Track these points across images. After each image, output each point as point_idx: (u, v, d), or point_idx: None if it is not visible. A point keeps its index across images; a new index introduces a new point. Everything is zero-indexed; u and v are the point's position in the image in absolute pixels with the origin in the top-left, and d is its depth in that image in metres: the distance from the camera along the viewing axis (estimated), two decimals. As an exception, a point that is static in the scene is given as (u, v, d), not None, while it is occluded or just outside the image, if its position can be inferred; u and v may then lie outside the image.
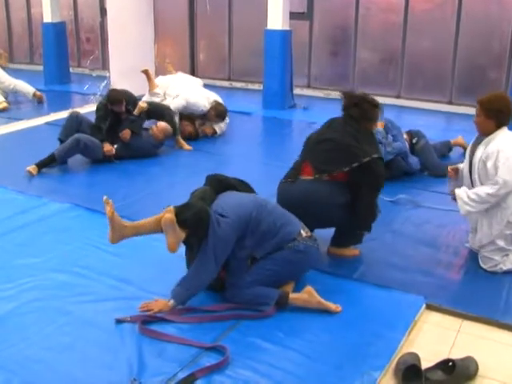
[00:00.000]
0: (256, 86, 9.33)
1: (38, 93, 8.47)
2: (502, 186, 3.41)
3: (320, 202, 3.54)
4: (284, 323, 3.02)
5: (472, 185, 3.60)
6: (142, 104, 6.01)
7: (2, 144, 6.49)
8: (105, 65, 10.52)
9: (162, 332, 2.90)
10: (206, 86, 7.26)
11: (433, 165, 5.29)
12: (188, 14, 10.12)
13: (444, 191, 4.89)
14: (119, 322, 2.99)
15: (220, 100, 6.78)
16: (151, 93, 6.75)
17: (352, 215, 3.58)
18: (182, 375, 2.60)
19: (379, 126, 5.13)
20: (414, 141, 5.37)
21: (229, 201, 3.23)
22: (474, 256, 3.74)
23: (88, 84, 9.49)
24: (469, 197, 3.49)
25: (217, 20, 9.84)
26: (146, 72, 6.78)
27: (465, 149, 3.81)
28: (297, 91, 8.71)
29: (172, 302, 3.08)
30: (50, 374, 2.62)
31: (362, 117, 3.61)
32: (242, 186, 3.49)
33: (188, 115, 6.59)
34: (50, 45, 9.82)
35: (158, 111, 6.19)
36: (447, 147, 5.80)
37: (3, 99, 8.01)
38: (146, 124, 6.16)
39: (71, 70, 10.43)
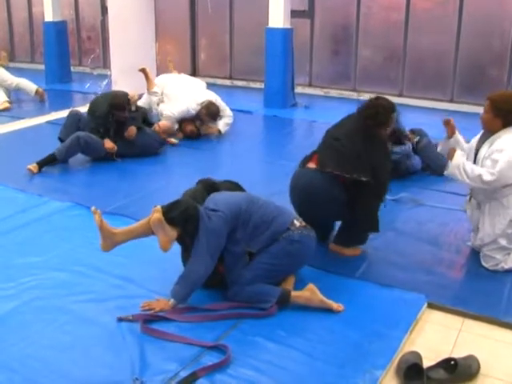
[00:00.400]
0: (257, 85, 9.32)
1: (40, 89, 8.46)
2: (497, 179, 3.39)
3: (318, 191, 3.59)
4: (286, 322, 3.02)
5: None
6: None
7: (3, 143, 6.49)
8: (106, 63, 10.52)
9: (164, 331, 2.89)
10: (207, 84, 7.23)
11: (435, 163, 5.28)
12: (189, 12, 10.12)
13: (446, 190, 4.90)
14: (121, 320, 2.98)
15: (219, 100, 6.74)
16: (149, 92, 6.76)
17: (352, 215, 3.59)
18: (183, 374, 2.59)
19: None
20: (417, 139, 5.36)
21: (219, 197, 3.27)
22: (475, 255, 3.73)
23: (89, 83, 9.50)
24: (464, 167, 3.47)
25: (218, 18, 9.84)
26: (143, 71, 6.78)
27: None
28: (298, 90, 8.72)
29: (172, 301, 3.08)
30: (51, 372, 2.61)
31: (375, 121, 3.58)
32: (234, 189, 3.50)
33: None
34: (51, 44, 9.82)
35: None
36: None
37: (6, 99, 8.01)
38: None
39: (72, 68, 10.44)
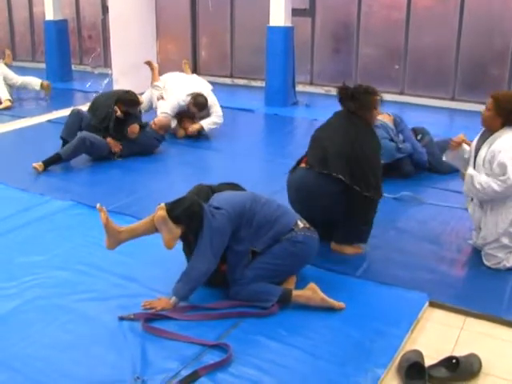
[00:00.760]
0: (258, 83, 9.31)
1: (46, 82, 8.46)
2: (510, 186, 3.39)
3: (311, 188, 3.61)
4: (287, 321, 3.02)
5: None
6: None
7: (5, 142, 6.50)
8: (107, 62, 10.52)
9: (165, 330, 2.90)
10: (208, 82, 7.22)
11: (437, 162, 5.28)
12: (190, 10, 10.12)
13: (448, 188, 4.90)
14: (122, 319, 2.98)
15: (214, 100, 6.68)
16: (153, 85, 6.77)
17: (346, 211, 3.61)
18: (185, 373, 2.59)
19: (388, 121, 5.13)
20: (419, 138, 5.37)
21: (224, 196, 3.27)
22: (477, 253, 3.73)
23: (90, 82, 9.50)
24: (478, 182, 3.46)
25: (219, 17, 9.83)
26: (149, 63, 6.78)
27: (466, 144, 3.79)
28: (299, 88, 8.71)
29: (174, 299, 3.08)
30: (53, 371, 2.62)
31: (360, 108, 3.61)
32: (234, 189, 3.51)
33: (181, 113, 6.58)
34: (52, 43, 9.84)
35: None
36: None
37: (8, 97, 8.01)
38: None
39: (73, 67, 10.45)
